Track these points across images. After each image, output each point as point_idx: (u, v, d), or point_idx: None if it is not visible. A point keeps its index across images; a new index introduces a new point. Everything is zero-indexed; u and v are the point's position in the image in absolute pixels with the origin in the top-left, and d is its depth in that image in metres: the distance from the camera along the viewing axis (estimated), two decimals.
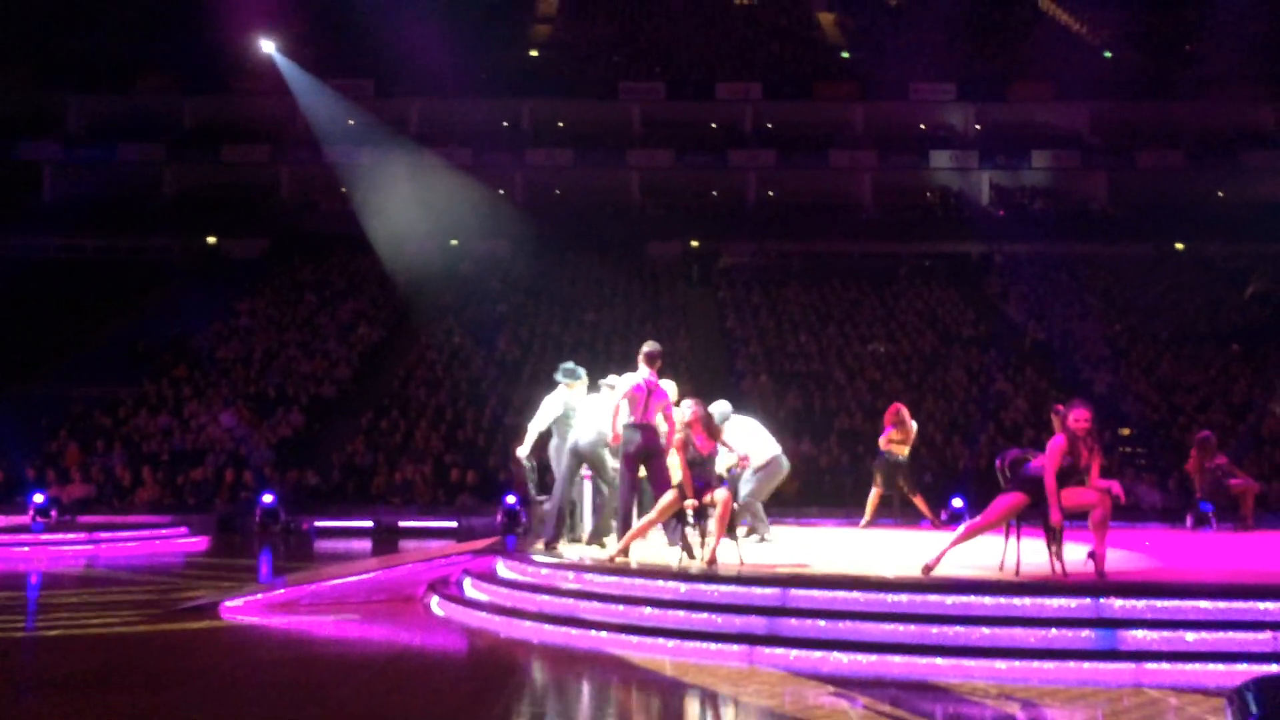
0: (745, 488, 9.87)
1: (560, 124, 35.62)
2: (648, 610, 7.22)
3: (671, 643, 6.79)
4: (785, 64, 37.09)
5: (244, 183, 34.25)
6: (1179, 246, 31.98)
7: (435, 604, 8.76)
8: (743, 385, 23.11)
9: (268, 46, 33.11)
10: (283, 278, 29.82)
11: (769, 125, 35.71)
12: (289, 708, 5.57)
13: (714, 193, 35.33)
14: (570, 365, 10.01)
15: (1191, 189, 33.75)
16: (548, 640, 7.25)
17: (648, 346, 9.03)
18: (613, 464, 9.20)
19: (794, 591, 7.00)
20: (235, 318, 26.71)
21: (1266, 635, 6.07)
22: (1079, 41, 37.16)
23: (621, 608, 7.34)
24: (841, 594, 6.90)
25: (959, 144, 34.91)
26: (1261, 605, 6.33)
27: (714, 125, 35.93)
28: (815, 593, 6.98)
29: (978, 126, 35.38)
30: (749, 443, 9.66)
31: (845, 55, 37.81)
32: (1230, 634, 6.15)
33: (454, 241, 32.72)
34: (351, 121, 33.79)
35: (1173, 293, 28.27)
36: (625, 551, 8.30)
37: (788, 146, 34.68)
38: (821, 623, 6.65)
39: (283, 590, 9.14)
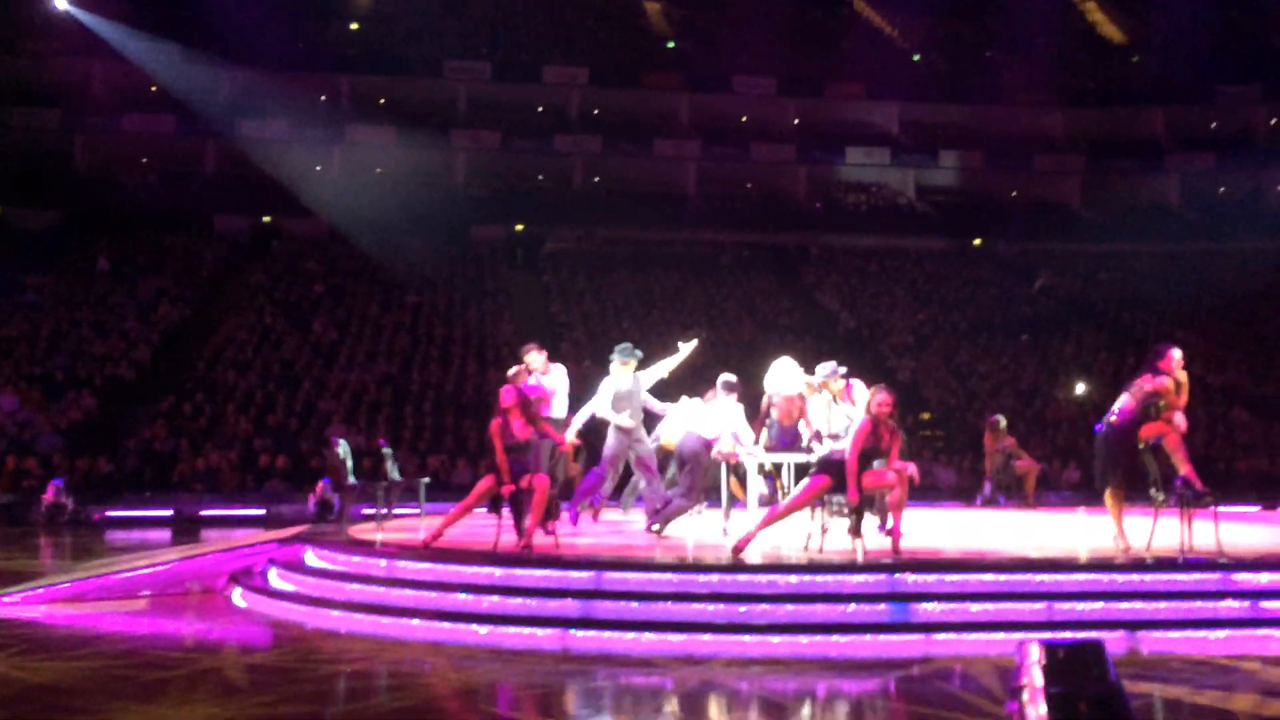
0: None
1: (382, 101, 34.65)
2: (461, 596, 7.15)
3: (485, 628, 6.74)
4: (613, 51, 37.21)
5: (34, 149, 31.78)
6: (976, 242, 33.90)
7: (237, 595, 8.40)
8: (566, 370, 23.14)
9: (62, 3, 30.83)
10: (77, 253, 27.87)
11: (596, 112, 35.78)
12: (61, 714, 5.21)
13: (540, 177, 35.16)
14: (628, 345, 9.86)
15: (989, 189, 35.86)
16: (356, 629, 7.07)
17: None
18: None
19: (609, 574, 7.06)
20: (21, 293, 24.82)
21: (1041, 605, 6.53)
22: (891, 45, 38.81)
23: (434, 594, 7.24)
24: (655, 575, 7.02)
25: (779, 138, 35.90)
26: (1037, 578, 6.81)
27: (541, 109, 35.74)
28: (630, 575, 7.06)
29: (797, 121, 36.48)
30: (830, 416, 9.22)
31: (671, 46, 38.25)
32: (1010, 605, 6.59)
33: (267, 218, 31.40)
34: (155, 89, 31.90)
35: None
36: (438, 537, 8.20)
37: (614, 133, 34.84)
38: (635, 604, 6.74)
39: (68, 583, 8.56)
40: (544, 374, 10.01)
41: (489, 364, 22.84)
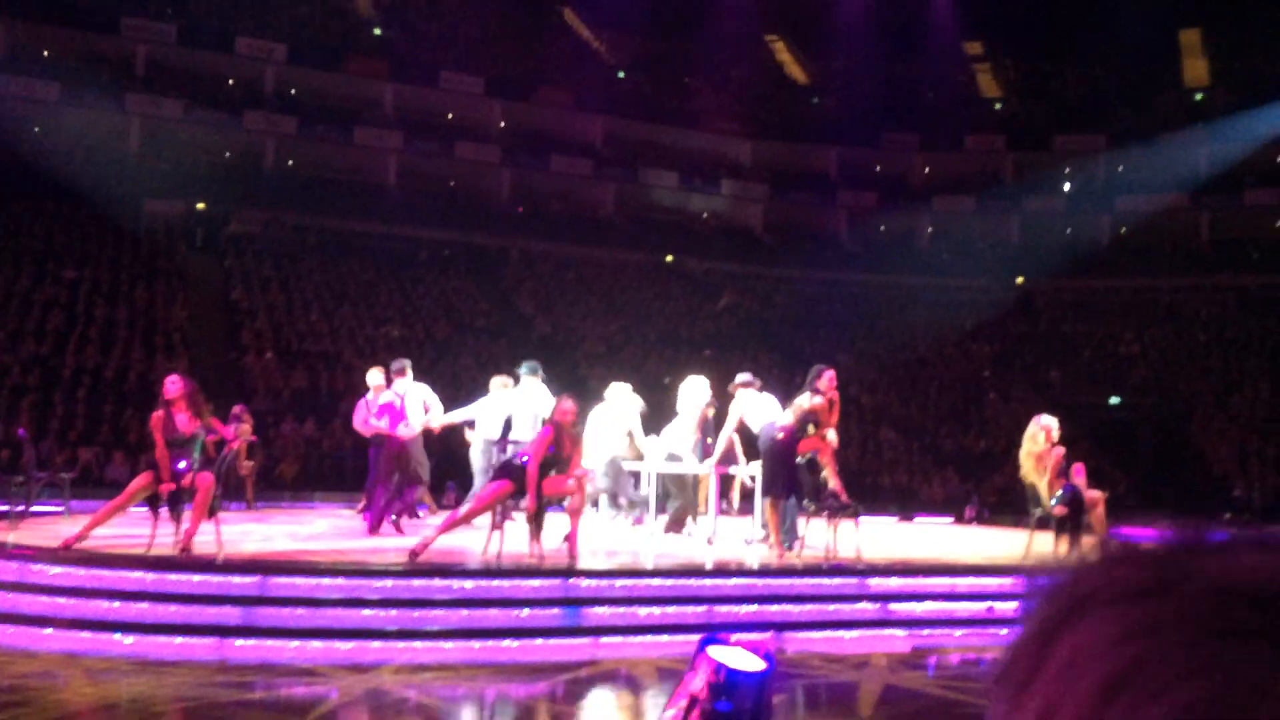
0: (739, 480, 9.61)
1: (45, 52, 31.22)
2: (105, 603, 6.57)
3: (131, 638, 6.24)
4: (313, 30, 35.64)
5: None
6: (669, 258, 35.42)
7: None
8: (245, 361, 21.90)
9: None
10: None
11: (292, 91, 34.10)
12: None
13: (227, 154, 33.01)
14: (534, 364, 10.44)
15: (683, 207, 37.62)
16: None
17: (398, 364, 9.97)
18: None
19: (275, 579, 6.74)
20: None
21: (703, 609, 6.91)
22: (598, 58, 39.82)
23: (73, 601, 6.60)
24: (325, 581, 6.77)
25: (485, 138, 35.80)
26: (700, 582, 7.20)
27: (231, 81, 33.58)
28: (297, 580, 6.77)
29: (503, 124, 36.55)
30: (751, 416, 8.95)
31: (378, 32, 37.20)
32: (674, 608, 6.92)
33: None
34: None
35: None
36: (83, 538, 7.47)
37: (311, 116, 33.32)
38: (300, 611, 6.47)
39: None
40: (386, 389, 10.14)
41: (158, 350, 21.17)
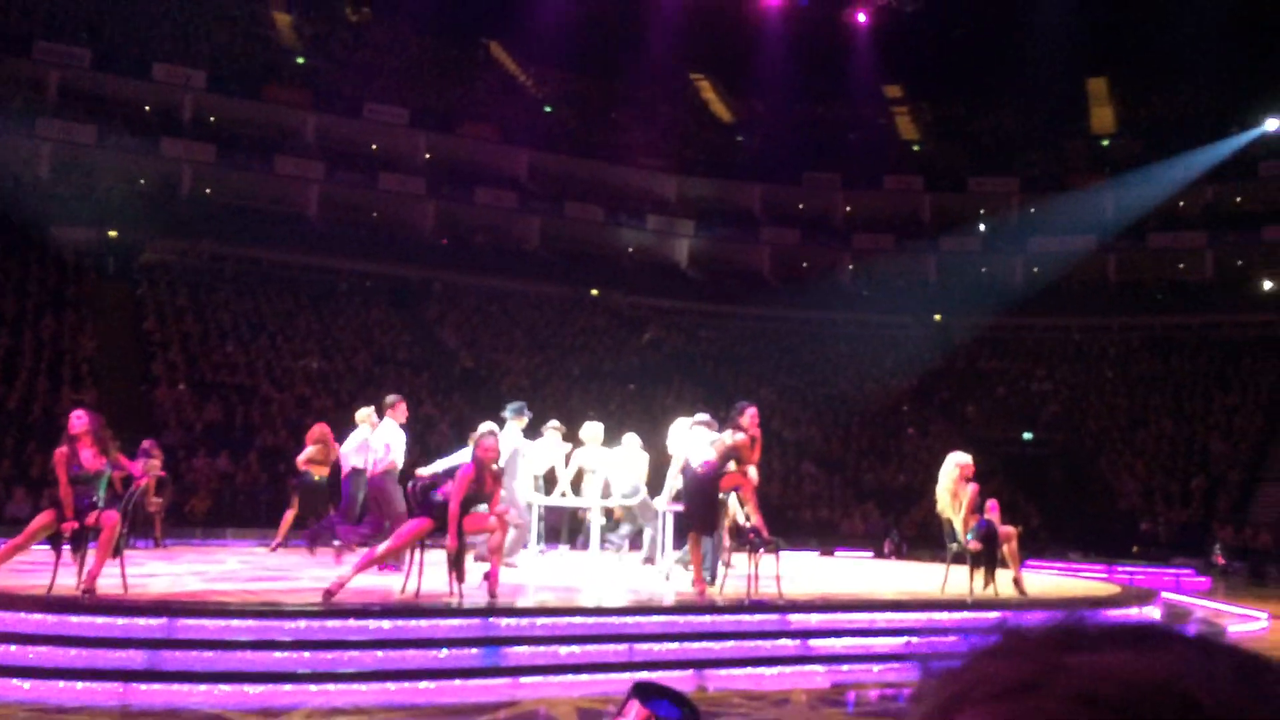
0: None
1: None
2: (3, 648, 6.30)
3: (29, 683, 5.98)
4: (234, 58, 35.15)
5: None
6: (594, 292, 35.48)
7: None
8: (157, 393, 21.32)
9: None
10: None
11: (211, 118, 33.52)
12: None
13: (142, 181, 32.24)
14: (520, 404, 10.78)
15: (609, 242, 37.74)
16: None
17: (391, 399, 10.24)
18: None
19: (182, 621, 6.53)
20: None
21: (624, 647, 6.87)
22: (524, 93, 39.95)
23: None
24: (235, 622, 6.58)
25: (409, 169, 35.58)
26: (620, 620, 7.16)
27: (148, 108, 32.89)
28: (206, 622, 6.57)
29: (427, 155, 36.38)
30: (694, 454, 8.72)
31: (301, 61, 36.84)
32: (595, 647, 6.87)
33: None
34: None
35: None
36: None
37: (230, 144, 32.77)
38: (209, 654, 6.27)
39: None
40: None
41: (64, 381, 20.51)
